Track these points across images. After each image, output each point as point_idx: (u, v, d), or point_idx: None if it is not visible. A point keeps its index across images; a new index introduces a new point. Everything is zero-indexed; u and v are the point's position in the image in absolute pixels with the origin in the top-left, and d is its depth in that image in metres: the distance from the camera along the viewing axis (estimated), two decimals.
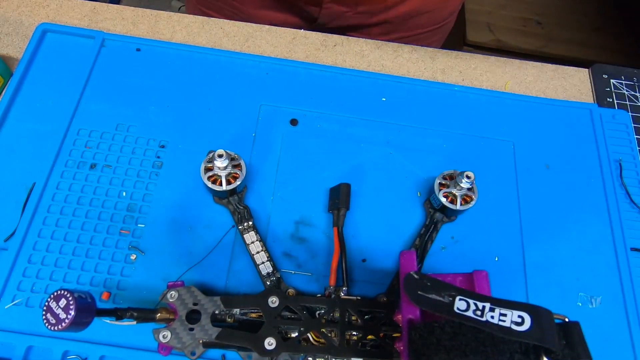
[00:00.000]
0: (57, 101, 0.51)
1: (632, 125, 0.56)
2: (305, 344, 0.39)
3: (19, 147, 0.49)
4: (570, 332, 0.29)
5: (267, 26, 0.59)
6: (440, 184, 0.46)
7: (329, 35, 0.60)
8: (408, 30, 0.67)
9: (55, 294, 0.32)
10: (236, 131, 0.51)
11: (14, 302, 0.42)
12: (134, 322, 0.37)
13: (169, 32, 0.58)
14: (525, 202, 0.50)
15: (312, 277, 0.45)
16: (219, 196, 0.46)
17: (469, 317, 0.29)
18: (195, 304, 0.39)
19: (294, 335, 0.39)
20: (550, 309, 0.29)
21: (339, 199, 0.46)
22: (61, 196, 0.46)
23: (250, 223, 0.45)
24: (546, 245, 0.48)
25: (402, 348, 0.33)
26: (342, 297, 0.42)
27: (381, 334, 0.39)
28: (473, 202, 0.45)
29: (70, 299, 0.32)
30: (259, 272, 0.43)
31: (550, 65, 0.61)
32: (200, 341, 0.38)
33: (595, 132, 0.54)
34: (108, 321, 0.41)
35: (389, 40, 0.60)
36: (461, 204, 0.45)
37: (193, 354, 0.40)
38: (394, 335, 0.39)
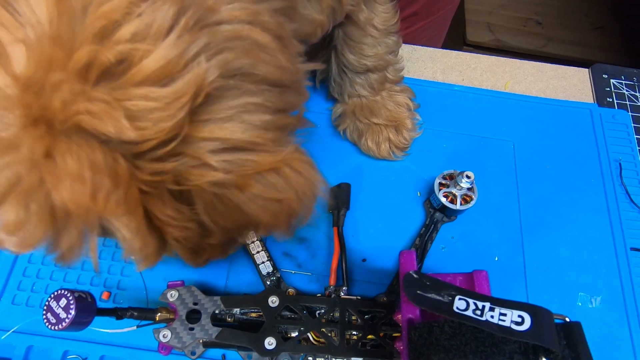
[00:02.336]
0: None
1: (632, 125, 0.56)
2: (305, 344, 0.39)
3: None
4: (571, 333, 0.29)
5: None
6: (440, 183, 0.46)
7: None
8: (429, 16, 0.68)
9: (56, 293, 0.32)
10: None
11: (13, 303, 0.42)
12: (135, 327, 0.37)
13: None
14: (525, 202, 0.50)
15: (312, 277, 0.45)
16: None
17: (469, 317, 0.29)
18: (195, 304, 0.39)
19: (294, 335, 0.39)
20: (550, 309, 0.29)
21: (339, 199, 0.46)
22: None
23: None
24: (546, 245, 0.48)
25: (402, 348, 0.33)
26: (342, 296, 0.42)
27: (381, 334, 0.39)
28: (473, 202, 0.45)
29: (70, 298, 0.32)
30: (259, 272, 0.43)
31: (550, 65, 0.61)
32: (201, 341, 0.38)
33: (595, 132, 0.54)
34: (108, 331, 0.41)
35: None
36: (461, 204, 0.45)
37: (193, 353, 0.40)
38: (394, 335, 0.39)
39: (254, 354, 0.39)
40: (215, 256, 0.31)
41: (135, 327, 0.36)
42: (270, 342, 0.37)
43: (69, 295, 0.32)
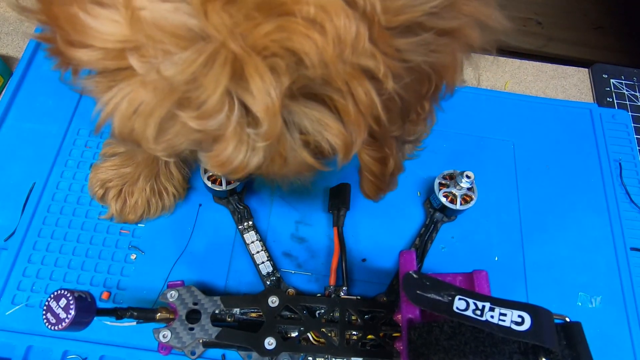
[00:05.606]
0: (57, 101, 0.51)
1: (632, 125, 0.56)
2: (305, 344, 0.39)
3: (19, 147, 0.49)
4: (572, 333, 0.29)
5: None
6: (440, 183, 0.46)
7: None
8: None
9: (56, 293, 0.32)
10: None
11: (15, 308, 0.41)
12: (134, 323, 0.37)
13: None
14: (525, 202, 0.50)
15: (312, 277, 0.45)
16: (219, 196, 0.46)
17: (469, 317, 0.29)
18: (195, 304, 0.39)
19: (294, 335, 0.39)
20: (550, 308, 0.29)
21: (339, 199, 0.46)
22: (61, 196, 0.46)
23: (250, 223, 0.45)
24: (546, 245, 0.48)
25: (402, 348, 0.33)
26: (342, 296, 0.42)
27: (381, 334, 0.39)
28: (473, 202, 0.45)
29: (70, 298, 0.32)
30: (259, 271, 0.43)
31: (550, 65, 0.61)
32: (200, 341, 0.38)
33: (595, 132, 0.54)
34: (108, 322, 0.41)
35: None
36: (461, 204, 0.45)
37: (193, 353, 0.40)
38: (394, 335, 0.39)
39: (254, 354, 0.39)
40: (398, 168, 0.30)
41: (135, 323, 0.36)
42: (270, 342, 0.37)
43: (68, 295, 0.32)
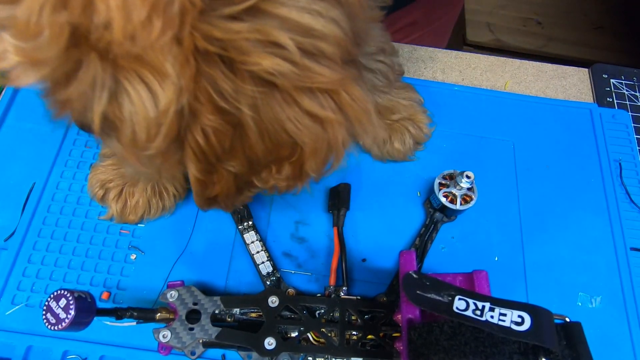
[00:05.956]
0: None
1: (632, 125, 0.56)
2: (305, 344, 0.39)
3: (19, 147, 0.49)
4: (572, 333, 0.29)
5: None
6: (440, 183, 0.46)
7: None
8: (428, 24, 0.67)
9: (55, 293, 0.32)
10: None
11: (15, 308, 0.41)
12: (134, 323, 0.37)
13: None
14: (525, 202, 0.50)
15: (312, 277, 0.45)
16: None
17: (469, 317, 0.29)
18: (195, 304, 0.39)
19: (294, 335, 0.39)
20: (550, 309, 0.29)
21: (339, 199, 0.46)
22: (61, 196, 0.46)
23: (250, 223, 0.45)
24: (546, 245, 0.48)
25: (402, 348, 0.33)
26: (342, 296, 0.42)
27: (381, 334, 0.39)
28: (473, 202, 0.45)
29: (70, 298, 0.32)
30: (259, 272, 0.43)
31: (550, 65, 0.61)
32: (200, 341, 0.38)
33: (595, 132, 0.54)
34: (108, 322, 0.41)
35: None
36: (461, 204, 0.45)
37: (193, 353, 0.40)
38: (394, 335, 0.39)
39: (254, 354, 0.39)
40: (225, 197, 0.28)
41: (135, 323, 0.36)
42: (270, 342, 0.37)
43: (68, 295, 0.32)
